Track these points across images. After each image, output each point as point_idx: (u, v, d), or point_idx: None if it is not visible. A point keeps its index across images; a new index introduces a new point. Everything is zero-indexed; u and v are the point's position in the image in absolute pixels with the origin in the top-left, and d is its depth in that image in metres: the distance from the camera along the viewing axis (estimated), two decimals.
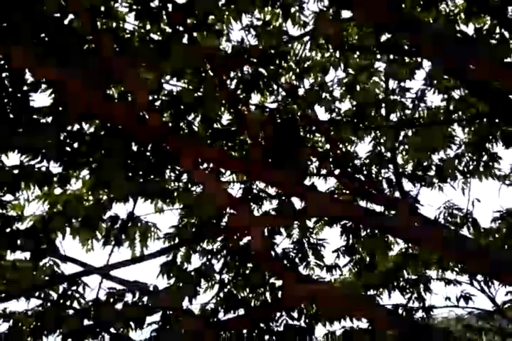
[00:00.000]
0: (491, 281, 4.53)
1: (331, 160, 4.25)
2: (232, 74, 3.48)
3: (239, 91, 3.55)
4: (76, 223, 3.24)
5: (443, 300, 4.79)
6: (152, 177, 3.36)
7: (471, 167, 4.75)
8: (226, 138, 3.61)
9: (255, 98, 3.77)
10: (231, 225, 3.07)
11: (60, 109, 3.12)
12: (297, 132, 2.87)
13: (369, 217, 2.30)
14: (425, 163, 4.67)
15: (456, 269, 4.74)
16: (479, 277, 4.68)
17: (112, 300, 3.09)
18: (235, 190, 3.85)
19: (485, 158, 4.50)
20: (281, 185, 2.36)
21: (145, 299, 3.16)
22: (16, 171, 3.22)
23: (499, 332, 4.51)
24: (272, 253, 3.31)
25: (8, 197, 3.37)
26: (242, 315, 3.44)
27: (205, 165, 2.65)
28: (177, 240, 3.77)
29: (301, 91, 4.21)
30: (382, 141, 4.53)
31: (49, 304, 3.04)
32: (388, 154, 4.48)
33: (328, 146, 4.40)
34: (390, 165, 4.43)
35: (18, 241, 3.00)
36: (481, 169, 4.63)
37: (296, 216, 2.93)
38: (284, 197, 3.87)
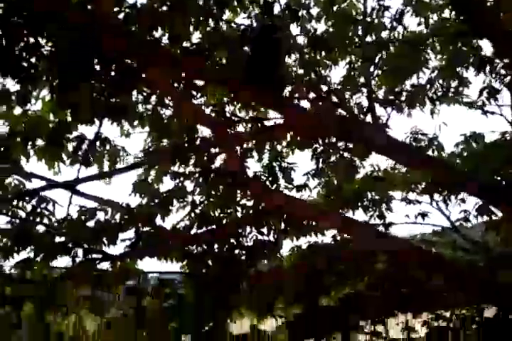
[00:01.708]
0: (448, 200, 4.58)
1: (304, 83, 3.95)
2: None
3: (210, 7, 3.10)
4: (40, 143, 2.95)
5: (403, 219, 4.87)
6: (118, 98, 3.03)
7: (440, 93, 4.54)
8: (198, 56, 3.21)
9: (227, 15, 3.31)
10: (209, 146, 2.84)
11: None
12: (275, 46, 2.53)
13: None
14: (397, 89, 4.42)
15: (418, 190, 4.75)
16: (437, 197, 4.72)
17: (83, 217, 2.93)
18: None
19: (455, 83, 4.27)
20: (260, 99, 2.09)
21: (117, 217, 3.02)
22: None
23: (452, 245, 4.68)
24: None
25: None
26: (213, 229, 3.37)
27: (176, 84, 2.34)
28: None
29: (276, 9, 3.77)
30: (357, 65, 4.21)
31: (18, 221, 2.87)
32: (362, 79, 4.20)
33: (301, 71, 4.06)
34: (364, 90, 4.16)
35: None
36: (450, 95, 4.43)
37: (271, 134, 2.69)
38: (257, 120, 3.61)
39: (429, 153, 4.39)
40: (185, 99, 2.21)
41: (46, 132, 2.98)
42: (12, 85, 2.94)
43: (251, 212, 3.57)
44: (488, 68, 3.98)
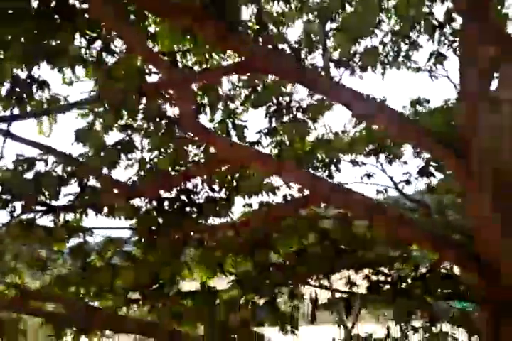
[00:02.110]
0: (392, 162, 4.74)
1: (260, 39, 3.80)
2: None
3: None
4: None
5: (349, 179, 4.98)
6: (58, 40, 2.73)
7: (391, 57, 4.58)
8: None
9: None
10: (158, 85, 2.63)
11: None
12: None
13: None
14: (351, 50, 4.39)
15: (364, 152, 4.87)
16: (382, 159, 4.87)
17: (21, 168, 2.68)
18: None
19: (406, 47, 4.30)
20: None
21: (59, 168, 2.79)
22: None
23: (395, 204, 4.88)
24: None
25: None
26: (163, 184, 3.22)
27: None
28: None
29: None
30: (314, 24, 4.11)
31: None
32: (318, 38, 4.11)
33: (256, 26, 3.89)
34: (320, 50, 4.09)
35: None
36: (401, 59, 4.47)
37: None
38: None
39: None
40: (135, 34, 2.00)
41: None
42: None
43: (202, 167, 3.46)
44: (437, 34, 4.04)
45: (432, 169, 4.69)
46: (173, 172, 3.48)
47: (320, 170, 4.66)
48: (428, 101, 4.52)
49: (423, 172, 4.70)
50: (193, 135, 2.85)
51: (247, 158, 2.07)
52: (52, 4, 2.72)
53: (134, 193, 2.68)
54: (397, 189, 4.99)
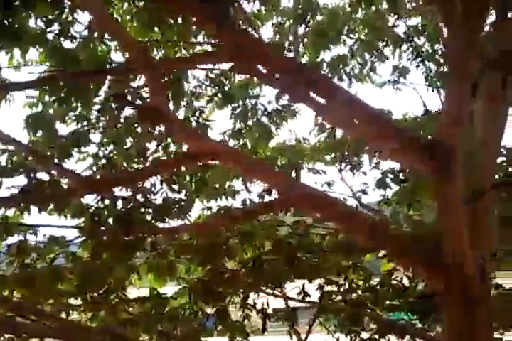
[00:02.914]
0: (353, 170, 4.82)
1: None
2: None
3: None
4: None
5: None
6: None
7: (356, 70, 4.67)
8: None
9: None
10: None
11: None
12: None
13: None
14: (318, 59, 4.44)
15: (324, 160, 4.91)
16: (343, 167, 4.94)
17: None
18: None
19: (372, 58, 4.40)
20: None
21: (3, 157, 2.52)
22: None
23: None
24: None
25: None
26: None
27: None
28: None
29: None
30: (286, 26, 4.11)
31: None
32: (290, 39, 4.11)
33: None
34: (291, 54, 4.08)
35: None
36: (366, 71, 4.57)
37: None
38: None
39: None
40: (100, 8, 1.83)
41: None
42: None
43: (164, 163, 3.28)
44: (403, 47, 4.17)
45: (388, 181, 4.82)
46: (130, 169, 3.28)
47: None
48: (391, 113, 4.65)
49: (380, 183, 4.81)
50: (160, 127, 2.69)
51: (219, 152, 1.96)
52: None
53: (87, 188, 2.46)
54: (355, 198, 5.07)
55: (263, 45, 2.09)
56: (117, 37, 1.86)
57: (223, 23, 1.75)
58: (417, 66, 4.25)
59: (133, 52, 1.82)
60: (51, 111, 2.98)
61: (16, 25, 2.65)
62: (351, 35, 4.27)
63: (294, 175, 4.85)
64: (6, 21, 2.63)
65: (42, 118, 2.79)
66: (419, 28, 4.13)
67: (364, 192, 5.07)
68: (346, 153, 4.85)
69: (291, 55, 3.99)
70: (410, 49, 4.18)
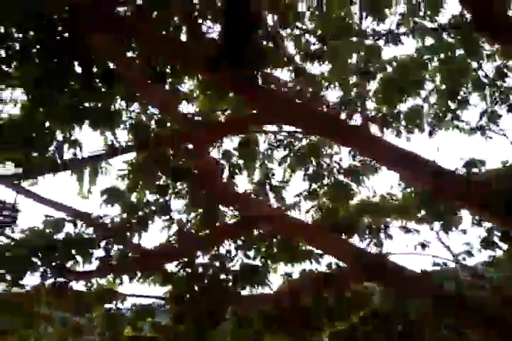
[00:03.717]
0: (448, 230, 4.30)
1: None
2: None
3: None
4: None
5: (401, 248, 4.55)
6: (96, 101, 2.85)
7: (439, 116, 4.40)
8: None
9: None
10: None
11: None
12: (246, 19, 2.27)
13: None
14: (395, 110, 4.29)
15: (417, 217, 4.48)
16: (437, 227, 4.44)
17: (50, 230, 2.67)
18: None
19: (454, 105, 4.13)
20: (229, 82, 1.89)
21: (89, 230, 2.75)
22: None
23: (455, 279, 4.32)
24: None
25: None
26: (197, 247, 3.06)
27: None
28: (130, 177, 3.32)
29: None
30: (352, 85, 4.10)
31: None
32: (358, 99, 4.07)
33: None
34: (359, 109, 4.02)
35: None
36: (449, 118, 4.28)
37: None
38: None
39: None
40: (165, 96, 2.03)
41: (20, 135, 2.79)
42: None
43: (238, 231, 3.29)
44: (488, 90, 3.86)
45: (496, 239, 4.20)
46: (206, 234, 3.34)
47: (367, 236, 4.31)
48: (483, 163, 4.19)
49: (486, 243, 4.22)
50: (221, 199, 2.76)
51: (284, 225, 1.90)
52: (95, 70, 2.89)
53: (166, 258, 2.55)
54: (456, 261, 4.46)
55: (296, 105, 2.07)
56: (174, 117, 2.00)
57: (256, 88, 1.79)
58: (509, 110, 3.86)
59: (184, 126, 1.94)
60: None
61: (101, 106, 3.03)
62: (427, 84, 4.10)
63: (382, 234, 4.50)
64: (94, 104, 3.03)
65: (118, 191, 3.04)
66: (504, 69, 3.82)
67: (469, 253, 4.48)
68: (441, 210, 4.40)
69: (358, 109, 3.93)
70: (497, 93, 3.84)
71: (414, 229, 4.59)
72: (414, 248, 4.41)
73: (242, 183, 4.07)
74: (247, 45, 2.05)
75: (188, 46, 2.15)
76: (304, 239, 2.63)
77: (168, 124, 2.93)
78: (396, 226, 4.55)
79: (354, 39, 3.87)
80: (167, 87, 2.60)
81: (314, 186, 4.10)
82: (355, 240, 4.35)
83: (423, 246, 4.36)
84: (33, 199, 2.73)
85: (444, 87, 4.13)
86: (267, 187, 3.90)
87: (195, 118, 2.40)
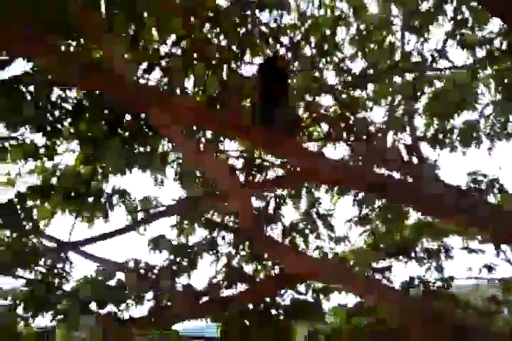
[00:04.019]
0: None
1: (342, 124, 3.69)
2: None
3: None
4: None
5: (464, 271, 4.24)
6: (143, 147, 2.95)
7: (497, 129, 4.08)
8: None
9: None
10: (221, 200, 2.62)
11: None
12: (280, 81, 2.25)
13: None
14: (447, 126, 4.04)
15: (479, 238, 4.16)
16: (505, 247, 4.09)
17: (102, 277, 2.74)
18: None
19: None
20: (262, 142, 1.85)
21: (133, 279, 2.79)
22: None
23: None
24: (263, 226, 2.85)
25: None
26: (248, 290, 3.03)
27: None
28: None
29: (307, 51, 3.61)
30: (398, 103, 3.90)
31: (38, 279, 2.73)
32: (405, 118, 3.86)
33: (338, 110, 3.82)
34: (408, 130, 3.82)
35: None
36: (510, 130, 3.95)
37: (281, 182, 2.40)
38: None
39: (490, 197, 3.87)
40: (199, 149, 2.03)
41: (75, 186, 2.94)
42: (39, 139, 2.96)
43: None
44: None
45: None
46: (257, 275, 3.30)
47: (425, 261, 4.07)
48: None
49: None
50: (260, 248, 2.71)
51: (323, 275, 1.82)
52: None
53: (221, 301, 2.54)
54: None
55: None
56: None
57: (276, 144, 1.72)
58: None
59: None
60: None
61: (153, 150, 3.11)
62: (482, 96, 3.81)
63: (442, 257, 4.22)
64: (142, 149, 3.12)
65: (166, 238, 3.09)
66: None
67: None
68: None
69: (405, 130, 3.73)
70: None
71: (478, 249, 4.28)
72: (479, 271, 4.10)
73: (288, 213, 3.98)
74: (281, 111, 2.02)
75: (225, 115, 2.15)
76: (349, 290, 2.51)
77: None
78: (458, 247, 4.27)
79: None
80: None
81: (365, 211, 3.94)
82: (412, 265, 4.13)
83: (489, 268, 4.05)
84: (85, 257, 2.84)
85: (499, 97, 3.82)
86: (314, 215, 3.80)
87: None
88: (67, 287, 2.81)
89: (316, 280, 2.88)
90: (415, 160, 3.79)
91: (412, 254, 4.06)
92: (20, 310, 2.84)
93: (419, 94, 3.77)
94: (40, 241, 2.86)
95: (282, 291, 3.34)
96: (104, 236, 2.62)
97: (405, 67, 3.57)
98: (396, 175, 3.42)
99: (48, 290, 2.70)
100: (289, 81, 2.24)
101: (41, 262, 2.79)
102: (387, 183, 1.89)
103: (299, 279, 2.46)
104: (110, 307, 2.83)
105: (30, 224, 2.82)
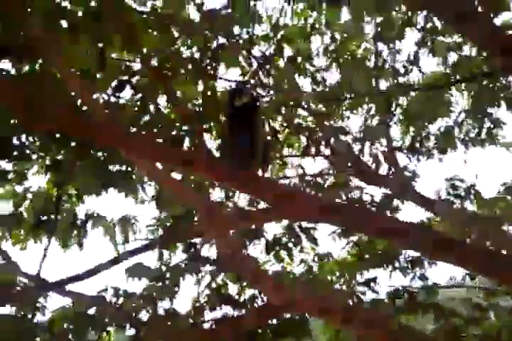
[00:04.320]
0: None
1: (317, 137, 3.68)
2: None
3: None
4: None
5: (446, 280, 4.25)
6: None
7: (472, 135, 4.16)
8: None
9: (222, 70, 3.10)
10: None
11: None
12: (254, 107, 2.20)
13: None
14: (423, 134, 4.08)
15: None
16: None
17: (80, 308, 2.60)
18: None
19: (487, 124, 3.88)
20: (233, 180, 1.79)
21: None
22: None
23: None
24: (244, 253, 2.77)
25: None
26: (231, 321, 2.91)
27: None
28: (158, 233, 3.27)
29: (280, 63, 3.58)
30: (373, 112, 3.92)
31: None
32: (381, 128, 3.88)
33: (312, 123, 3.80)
34: (383, 140, 3.84)
35: None
36: (484, 136, 4.02)
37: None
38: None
39: (467, 204, 3.92)
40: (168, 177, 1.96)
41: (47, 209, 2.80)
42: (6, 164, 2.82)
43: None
44: None
45: None
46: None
47: (409, 271, 4.06)
48: None
49: None
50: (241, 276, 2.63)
51: (302, 305, 1.76)
52: None
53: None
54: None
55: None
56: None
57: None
58: None
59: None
60: None
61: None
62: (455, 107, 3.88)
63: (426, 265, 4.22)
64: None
65: (141, 266, 2.97)
66: None
67: None
68: None
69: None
70: None
71: None
72: (462, 279, 4.11)
73: (271, 228, 3.92)
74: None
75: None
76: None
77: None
78: None
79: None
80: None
81: None
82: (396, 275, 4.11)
83: (472, 277, 4.06)
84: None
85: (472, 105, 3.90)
86: (297, 229, 3.75)
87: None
88: (43, 319, 2.65)
89: (297, 313, 2.81)
90: (392, 170, 3.81)
91: (396, 264, 4.05)
92: None
93: (393, 104, 3.80)
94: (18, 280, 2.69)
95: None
96: (88, 273, 2.48)
97: (380, 76, 3.59)
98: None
99: (25, 323, 2.55)
100: (258, 110, 2.18)
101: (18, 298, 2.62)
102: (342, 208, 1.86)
103: (284, 310, 2.39)
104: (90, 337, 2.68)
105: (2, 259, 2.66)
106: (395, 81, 3.67)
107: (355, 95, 3.57)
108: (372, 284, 3.82)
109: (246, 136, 1.98)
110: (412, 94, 3.87)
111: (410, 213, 4.03)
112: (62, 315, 2.59)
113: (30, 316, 2.58)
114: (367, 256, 4.04)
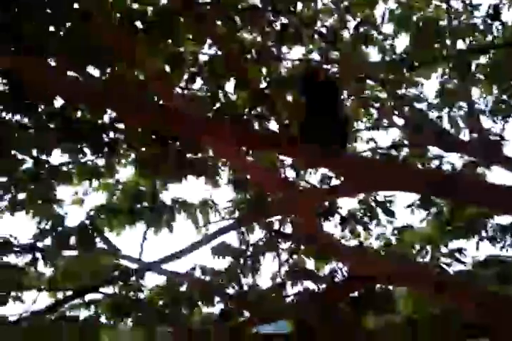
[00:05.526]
0: None
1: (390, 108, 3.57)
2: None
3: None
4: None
5: None
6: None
7: None
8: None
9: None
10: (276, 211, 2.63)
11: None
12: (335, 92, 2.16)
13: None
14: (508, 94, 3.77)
15: None
16: None
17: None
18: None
19: None
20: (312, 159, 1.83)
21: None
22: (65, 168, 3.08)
23: None
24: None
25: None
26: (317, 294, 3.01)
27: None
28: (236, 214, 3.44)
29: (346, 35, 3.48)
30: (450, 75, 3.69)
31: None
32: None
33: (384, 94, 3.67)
34: (463, 103, 3.62)
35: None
36: None
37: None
38: None
39: None
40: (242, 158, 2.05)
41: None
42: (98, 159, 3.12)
43: None
44: None
45: None
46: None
47: (499, 239, 3.86)
48: None
49: None
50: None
51: (393, 275, 1.79)
52: None
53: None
54: None
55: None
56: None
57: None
58: None
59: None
60: None
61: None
62: None
63: None
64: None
65: (225, 245, 3.15)
66: None
67: None
68: None
69: None
70: None
71: None
72: None
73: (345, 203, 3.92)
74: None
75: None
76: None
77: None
78: None
79: None
80: None
81: None
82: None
83: None
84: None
85: None
86: (373, 203, 3.73)
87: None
88: (142, 296, 2.97)
89: (385, 284, 2.83)
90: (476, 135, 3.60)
91: (483, 233, 3.88)
92: (103, 319, 3.05)
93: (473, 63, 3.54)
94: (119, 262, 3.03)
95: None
96: (179, 254, 2.72)
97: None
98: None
99: (126, 300, 2.88)
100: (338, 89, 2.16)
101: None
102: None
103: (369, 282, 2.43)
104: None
105: (105, 244, 3.00)
106: (473, 40, 3.41)
107: (427, 60, 3.37)
108: (457, 255, 3.71)
109: (330, 118, 1.98)
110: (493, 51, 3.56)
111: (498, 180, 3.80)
112: (159, 292, 2.88)
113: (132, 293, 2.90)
114: (449, 227, 3.91)
